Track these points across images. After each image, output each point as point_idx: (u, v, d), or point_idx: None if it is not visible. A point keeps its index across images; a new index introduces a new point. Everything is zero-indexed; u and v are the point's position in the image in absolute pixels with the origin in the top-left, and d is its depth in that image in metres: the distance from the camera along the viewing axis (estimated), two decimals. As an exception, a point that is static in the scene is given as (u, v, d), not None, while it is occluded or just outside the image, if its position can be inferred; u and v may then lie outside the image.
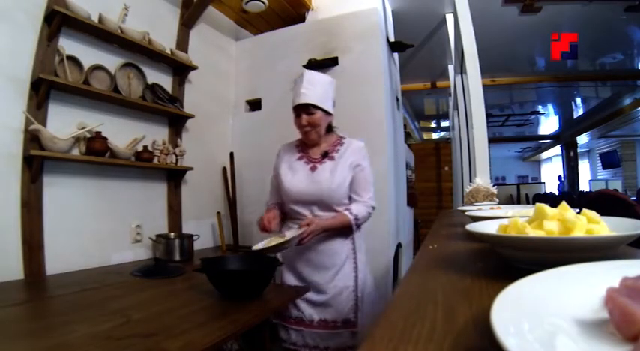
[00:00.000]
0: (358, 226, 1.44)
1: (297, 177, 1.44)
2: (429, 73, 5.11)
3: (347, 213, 1.40)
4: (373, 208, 1.48)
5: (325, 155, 1.47)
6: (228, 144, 2.86)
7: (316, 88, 1.40)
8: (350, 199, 1.45)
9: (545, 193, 8.35)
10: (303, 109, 1.41)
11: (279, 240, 1.28)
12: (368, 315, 1.47)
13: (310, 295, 1.43)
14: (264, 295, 1.23)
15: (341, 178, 1.41)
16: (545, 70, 5.21)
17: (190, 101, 2.43)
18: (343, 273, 1.44)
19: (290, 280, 1.48)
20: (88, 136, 1.76)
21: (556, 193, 9.41)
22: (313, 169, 1.45)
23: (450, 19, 3.39)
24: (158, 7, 2.29)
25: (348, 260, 1.46)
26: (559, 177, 10.93)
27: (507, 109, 7.79)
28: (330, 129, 1.52)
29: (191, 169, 2.31)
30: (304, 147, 1.53)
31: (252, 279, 1.21)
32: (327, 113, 1.45)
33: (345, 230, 1.43)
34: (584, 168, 11.21)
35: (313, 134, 1.44)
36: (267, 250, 1.29)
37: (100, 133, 1.78)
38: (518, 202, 9.51)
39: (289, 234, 1.31)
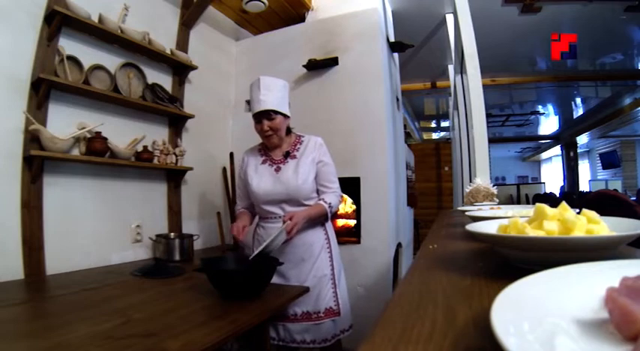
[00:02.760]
0: (332, 214, 1.53)
1: (263, 179, 1.51)
2: (429, 73, 5.10)
3: (322, 202, 1.48)
4: (341, 195, 1.60)
5: (287, 155, 1.54)
6: (228, 144, 2.86)
7: (273, 94, 1.46)
8: (317, 192, 1.55)
9: (545, 193, 8.35)
10: (263, 116, 1.46)
11: (263, 246, 1.32)
12: (345, 302, 1.54)
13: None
14: (263, 295, 1.23)
15: (305, 175, 1.49)
16: (545, 70, 5.21)
17: (190, 101, 2.43)
18: (320, 262, 1.51)
19: None
20: (88, 136, 1.76)
21: (557, 194, 9.40)
22: (277, 170, 1.53)
23: (450, 19, 3.39)
24: (158, 7, 2.29)
25: (323, 250, 1.54)
26: (561, 187, 10.92)
27: (507, 109, 7.78)
28: (288, 130, 1.59)
29: (191, 169, 2.31)
30: (267, 150, 1.59)
31: (252, 279, 1.21)
32: (285, 116, 1.51)
33: (321, 219, 1.52)
34: (584, 168, 11.20)
35: (275, 138, 1.51)
36: (260, 254, 1.33)
37: (100, 133, 1.78)
38: (518, 202, 9.51)
39: (266, 241, 1.34)
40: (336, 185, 1.57)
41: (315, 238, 1.53)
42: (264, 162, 1.57)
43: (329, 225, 1.60)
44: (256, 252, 1.33)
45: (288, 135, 1.59)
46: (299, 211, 1.41)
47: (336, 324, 1.48)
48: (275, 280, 1.47)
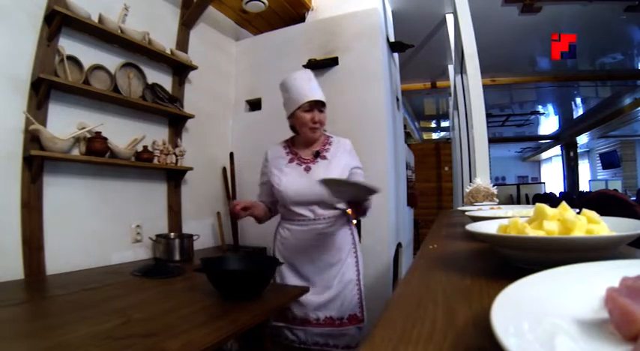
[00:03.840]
0: (365, 213, 1.42)
1: (292, 179, 1.42)
2: (429, 73, 5.10)
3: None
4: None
5: (317, 155, 1.46)
6: (228, 144, 2.86)
7: (319, 89, 1.42)
8: None
9: (545, 193, 8.35)
10: (317, 106, 1.40)
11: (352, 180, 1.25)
12: (370, 309, 1.48)
13: (314, 295, 1.40)
14: (264, 295, 1.23)
15: (337, 177, 1.41)
16: (545, 70, 5.21)
17: (190, 101, 2.43)
18: (346, 267, 1.44)
19: (292, 280, 1.45)
20: (88, 136, 1.76)
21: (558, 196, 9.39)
22: (307, 169, 1.44)
23: (450, 19, 3.39)
24: (158, 7, 2.29)
25: (350, 254, 1.47)
26: (561, 193, 10.91)
27: (507, 109, 7.79)
28: None
29: (191, 169, 2.31)
30: (293, 148, 1.51)
31: (252, 279, 1.21)
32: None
33: (364, 209, 1.39)
34: (584, 168, 11.20)
35: (319, 132, 1.45)
36: (333, 182, 1.22)
37: (100, 133, 1.78)
38: (518, 202, 9.51)
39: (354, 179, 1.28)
40: None
41: (344, 242, 1.47)
42: (291, 160, 1.48)
43: (354, 229, 1.53)
44: (335, 178, 1.28)
45: None
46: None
47: (362, 331, 1.42)
48: (300, 284, 1.43)
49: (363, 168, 1.53)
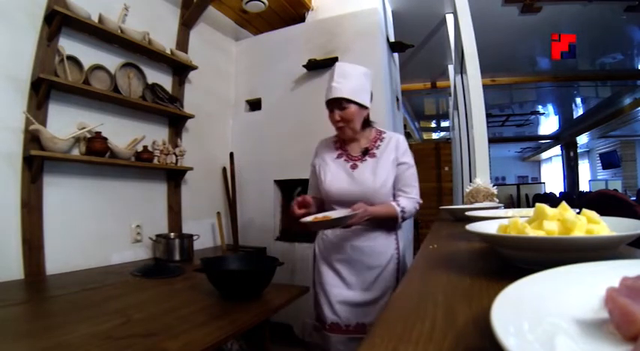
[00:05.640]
0: (403, 219, 1.36)
1: (337, 176, 1.37)
2: (429, 73, 5.10)
3: (394, 204, 1.32)
4: (419, 204, 1.41)
5: (366, 152, 1.39)
6: (228, 144, 2.86)
7: (349, 81, 1.32)
8: (394, 196, 1.38)
9: (545, 193, 8.35)
10: (335, 104, 1.33)
11: (326, 218, 1.19)
12: None
13: (350, 296, 1.34)
14: (264, 295, 1.23)
15: (384, 177, 1.34)
16: (545, 70, 5.21)
17: (190, 101, 2.43)
18: (386, 273, 1.36)
19: (329, 278, 1.38)
20: (88, 136, 1.76)
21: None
22: (354, 167, 1.37)
23: (450, 19, 3.39)
24: (158, 7, 2.29)
25: (392, 260, 1.38)
26: (561, 193, 10.92)
27: (507, 109, 7.78)
28: (367, 123, 1.43)
29: (191, 169, 2.31)
30: (343, 143, 1.44)
31: (252, 279, 1.21)
32: (362, 107, 1.35)
33: (389, 222, 1.35)
34: (584, 168, 11.20)
35: (347, 130, 1.36)
36: (314, 224, 1.20)
37: (100, 133, 1.78)
38: (518, 202, 9.51)
39: (335, 214, 1.22)
40: (416, 191, 1.39)
41: (385, 248, 1.38)
42: (339, 156, 1.41)
43: (402, 235, 1.45)
44: (310, 218, 1.20)
45: (367, 128, 1.44)
46: (368, 207, 1.25)
47: None
48: (335, 283, 1.36)
49: (414, 164, 1.42)
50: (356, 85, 1.32)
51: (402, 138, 1.44)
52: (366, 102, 1.35)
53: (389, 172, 1.35)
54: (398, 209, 1.31)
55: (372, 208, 1.26)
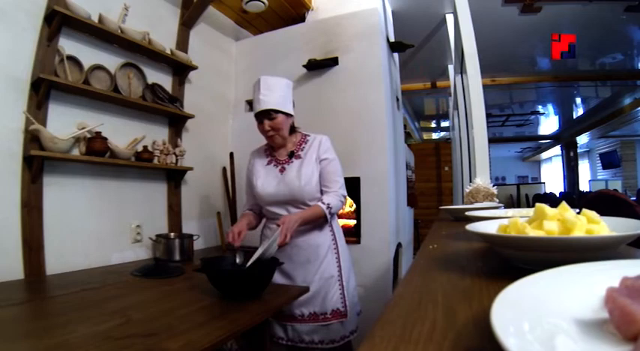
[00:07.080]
0: (331, 215, 1.49)
1: (267, 180, 1.50)
2: (429, 73, 5.11)
3: (319, 203, 1.45)
4: (344, 196, 1.53)
5: (292, 155, 1.53)
6: (228, 144, 2.86)
7: (274, 93, 1.44)
8: (322, 192, 1.51)
9: (546, 193, 8.35)
10: (264, 116, 1.45)
11: (258, 253, 1.26)
12: (354, 303, 1.53)
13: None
14: (263, 295, 1.23)
15: (308, 175, 1.46)
16: (545, 70, 5.21)
17: (190, 101, 2.43)
18: (326, 264, 1.49)
19: (276, 276, 1.46)
20: (88, 136, 1.76)
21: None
22: (282, 170, 1.51)
23: (450, 19, 3.39)
24: (158, 7, 2.29)
25: (330, 251, 1.51)
26: (561, 193, 10.92)
27: (507, 109, 7.79)
28: (293, 129, 1.56)
29: (191, 169, 2.31)
30: (272, 150, 1.58)
31: (252, 279, 1.21)
32: (288, 115, 1.49)
33: (319, 221, 1.48)
34: (584, 168, 11.21)
35: (277, 138, 1.49)
36: (255, 263, 1.27)
37: (100, 133, 1.78)
38: (518, 202, 9.52)
39: (261, 249, 1.28)
40: (339, 185, 1.51)
41: (322, 240, 1.50)
42: (269, 162, 1.55)
43: (336, 226, 1.57)
44: (251, 261, 1.27)
45: (293, 134, 1.56)
46: (292, 215, 1.38)
47: (344, 325, 1.46)
48: (281, 280, 1.48)
49: (335, 158, 1.53)
50: (280, 97, 1.45)
51: (325, 138, 1.57)
52: (290, 111, 1.50)
53: (313, 169, 1.48)
54: (323, 207, 1.44)
55: (296, 216, 1.37)
